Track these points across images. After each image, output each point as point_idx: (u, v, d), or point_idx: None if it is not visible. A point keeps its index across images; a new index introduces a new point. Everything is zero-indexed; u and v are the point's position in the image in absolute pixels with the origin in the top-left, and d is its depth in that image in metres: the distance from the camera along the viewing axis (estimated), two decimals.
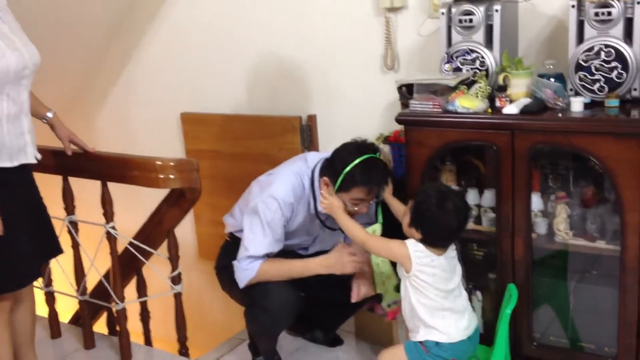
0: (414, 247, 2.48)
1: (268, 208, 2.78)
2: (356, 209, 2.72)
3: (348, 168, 2.65)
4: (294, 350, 3.30)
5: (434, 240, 2.48)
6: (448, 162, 3.01)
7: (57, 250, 2.93)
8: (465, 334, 2.52)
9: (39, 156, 2.76)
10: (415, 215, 2.49)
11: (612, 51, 2.57)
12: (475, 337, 2.57)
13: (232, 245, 3.01)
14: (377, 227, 2.81)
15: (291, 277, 2.82)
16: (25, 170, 2.71)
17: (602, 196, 2.71)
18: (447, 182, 3.00)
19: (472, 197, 2.96)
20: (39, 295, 3.39)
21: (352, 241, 2.76)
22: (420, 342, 2.52)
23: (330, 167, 2.74)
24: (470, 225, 2.90)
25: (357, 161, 2.64)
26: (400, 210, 2.71)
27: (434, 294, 2.48)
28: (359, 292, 2.85)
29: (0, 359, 2.74)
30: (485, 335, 2.81)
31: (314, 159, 2.90)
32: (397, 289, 2.77)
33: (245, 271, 2.82)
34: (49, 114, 2.97)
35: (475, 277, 2.98)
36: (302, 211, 2.86)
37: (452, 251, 2.54)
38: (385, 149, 3.32)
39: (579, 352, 2.77)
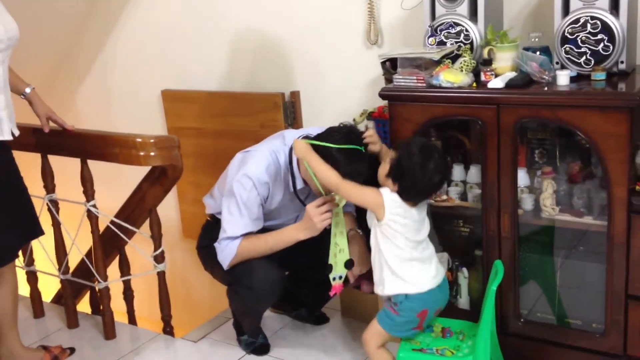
0: (389, 197, 2.45)
1: (243, 187, 2.74)
2: (332, 193, 2.68)
3: (332, 159, 2.56)
4: (279, 329, 3.29)
5: (410, 196, 2.45)
6: (433, 137, 2.98)
7: (38, 232, 2.89)
8: (434, 282, 2.50)
9: (17, 132, 2.71)
10: (396, 168, 2.44)
11: (599, 23, 2.53)
12: (444, 287, 2.56)
13: (212, 225, 2.99)
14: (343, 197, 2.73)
15: (271, 249, 2.78)
16: (1, 148, 2.66)
17: (589, 171, 2.69)
18: None
19: (457, 173, 2.94)
20: (21, 275, 3.36)
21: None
22: (389, 299, 2.50)
23: (314, 150, 2.68)
24: (456, 201, 2.88)
25: (342, 151, 2.56)
26: None
27: (403, 243, 2.46)
28: (352, 272, 2.82)
29: None
30: (472, 312, 2.80)
31: (292, 136, 2.84)
32: (347, 265, 2.74)
33: (225, 252, 2.80)
34: (27, 90, 2.93)
35: (461, 254, 2.96)
36: (279, 190, 2.82)
37: (423, 204, 2.52)
38: (370, 125, 3.28)
39: (566, 329, 2.75)
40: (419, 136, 2.71)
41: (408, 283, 2.47)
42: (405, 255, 2.47)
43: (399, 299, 2.49)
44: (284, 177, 2.80)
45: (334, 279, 2.76)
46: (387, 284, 2.51)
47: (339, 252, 2.75)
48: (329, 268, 2.76)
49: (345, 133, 2.62)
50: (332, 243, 2.75)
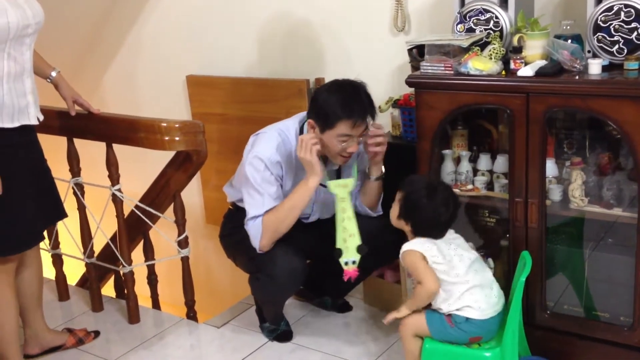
0: (417, 245, 2.48)
1: (255, 169, 2.76)
2: (344, 145, 2.69)
3: (329, 103, 2.65)
4: (301, 316, 3.29)
5: (424, 232, 2.49)
6: (460, 126, 2.95)
7: (61, 214, 2.91)
8: (496, 310, 2.47)
9: (41, 117, 2.72)
10: (405, 207, 2.50)
11: (632, 11, 2.47)
12: (502, 314, 2.51)
13: (234, 213, 3.01)
14: (350, 182, 2.76)
15: (293, 209, 2.76)
16: (27, 131, 2.68)
17: (619, 162, 2.65)
18: (458, 147, 2.95)
19: (484, 162, 2.90)
20: (47, 258, 3.38)
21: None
22: (448, 315, 2.47)
23: (313, 108, 2.72)
24: (482, 191, 2.85)
25: (337, 96, 2.65)
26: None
27: (454, 275, 2.44)
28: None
29: (6, 322, 2.74)
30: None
31: (303, 114, 2.87)
32: (359, 250, 2.74)
33: (252, 231, 2.79)
34: (53, 73, 2.94)
35: (487, 245, 2.93)
36: (292, 168, 2.83)
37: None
38: (395, 112, 3.26)
39: (593, 321, 2.71)
40: (424, 175, 2.76)
41: (472, 308, 2.43)
42: (461, 286, 2.44)
43: (458, 320, 2.45)
44: (295, 155, 2.80)
45: (346, 263, 2.76)
46: (452, 303, 2.47)
47: (349, 237, 2.75)
48: (338, 253, 2.75)
49: (336, 81, 2.75)
50: (339, 228, 2.75)
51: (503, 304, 2.52)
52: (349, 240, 2.75)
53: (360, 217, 2.91)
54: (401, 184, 2.57)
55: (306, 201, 2.77)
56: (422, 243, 2.48)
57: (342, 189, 2.73)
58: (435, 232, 2.50)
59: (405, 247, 2.50)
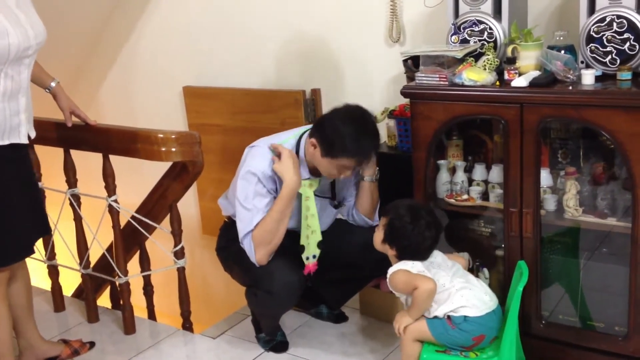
0: (404, 265, 2.51)
1: (248, 182, 2.77)
2: (342, 176, 2.73)
3: (339, 136, 2.64)
4: (298, 326, 3.28)
5: (408, 256, 2.53)
6: (455, 136, 2.96)
7: (47, 230, 2.88)
8: (490, 306, 2.49)
9: (33, 134, 2.70)
10: (389, 232, 2.54)
11: (625, 22, 2.49)
12: (499, 313, 2.53)
13: (229, 226, 3.01)
14: (315, 182, 2.86)
15: (281, 216, 2.73)
16: (18, 148, 2.64)
17: (613, 172, 2.65)
18: (453, 158, 2.96)
19: (479, 172, 2.92)
20: (43, 269, 3.38)
21: None
22: (448, 317, 2.48)
23: (321, 131, 2.71)
24: (477, 201, 2.86)
25: (348, 130, 2.64)
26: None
27: (440, 286, 2.47)
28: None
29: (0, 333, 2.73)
30: None
31: (303, 130, 2.87)
32: (319, 245, 2.85)
33: (246, 246, 2.79)
34: (53, 84, 2.94)
35: (482, 254, 2.93)
36: None
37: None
38: (391, 123, 3.27)
39: (588, 331, 2.72)
40: (407, 198, 2.75)
41: (467, 307, 2.45)
42: (449, 292, 2.47)
43: (457, 320, 2.46)
44: None
45: (307, 258, 2.86)
46: (444, 308, 2.49)
47: (311, 233, 2.85)
48: (302, 249, 2.84)
49: (349, 112, 2.71)
50: (304, 225, 2.83)
51: (497, 303, 2.53)
52: (310, 237, 2.84)
53: (356, 229, 2.93)
54: (385, 210, 2.61)
55: (291, 203, 2.75)
56: (405, 263, 2.52)
57: (307, 188, 2.82)
58: (419, 256, 2.53)
59: (391, 270, 2.54)
